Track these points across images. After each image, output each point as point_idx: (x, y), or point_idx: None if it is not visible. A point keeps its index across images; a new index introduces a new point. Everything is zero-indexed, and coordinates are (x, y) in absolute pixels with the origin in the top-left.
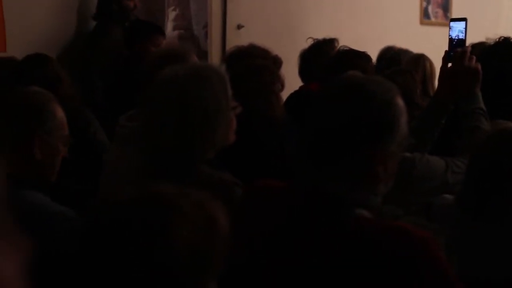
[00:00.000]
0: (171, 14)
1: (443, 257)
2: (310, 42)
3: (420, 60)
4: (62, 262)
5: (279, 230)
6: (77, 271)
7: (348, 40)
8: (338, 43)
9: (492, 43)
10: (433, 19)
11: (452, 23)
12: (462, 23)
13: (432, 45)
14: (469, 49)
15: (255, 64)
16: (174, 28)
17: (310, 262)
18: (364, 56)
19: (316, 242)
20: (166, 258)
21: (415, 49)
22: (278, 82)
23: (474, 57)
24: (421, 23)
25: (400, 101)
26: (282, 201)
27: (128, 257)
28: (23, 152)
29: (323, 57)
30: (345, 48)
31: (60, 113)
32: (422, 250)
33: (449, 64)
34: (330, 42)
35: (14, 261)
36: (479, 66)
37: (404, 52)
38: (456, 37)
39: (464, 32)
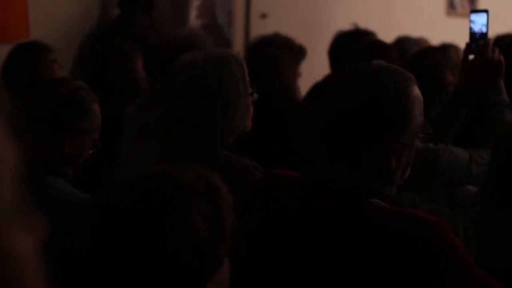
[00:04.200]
0: (195, 2)
1: (459, 244)
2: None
3: (448, 49)
4: (79, 247)
5: (292, 217)
6: (92, 256)
7: (373, 30)
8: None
9: None
10: (459, 10)
11: (472, 15)
12: (484, 15)
13: (458, 36)
14: (492, 41)
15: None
16: (198, 17)
17: (325, 251)
18: (391, 47)
19: (332, 231)
20: (184, 235)
21: (441, 40)
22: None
23: (497, 49)
24: (447, 14)
25: (415, 92)
26: (296, 189)
27: (143, 239)
28: (54, 142)
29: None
30: (375, 40)
31: (99, 116)
32: (437, 236)
33: (471, 57)
34: (370, 34)
35: (30, 240)
36: (502, 58)
37: (408, 40)
38: (478, 29)
39: (486, 23)
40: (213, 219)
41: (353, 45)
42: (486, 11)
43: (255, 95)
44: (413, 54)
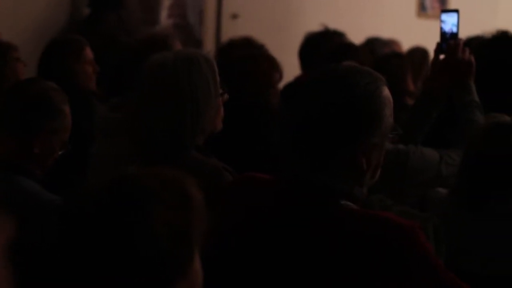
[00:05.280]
0: (166, 2)
1: (429, 247)
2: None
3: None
4: (47, 248)
5: (265, 219)
6: (60, 258)
7: (344, 31)
8: (346, 39)
9: (490, 36)
10: (430, 12)
11: (443, 15)
12: (454, 15)
13: (428, 38)
14: (462, 41)
15: (253, 53)
16: (169, 16)
17: (295, 253)
18: (361, 48)
19: (302, 232)
20: (145, 241)
21: (412, 42)
22: (276, 72)
23: (468, 49)
24: (418, 15)
25: (385, 93)
26: (269, 191)
27: (103, 243)
28: (23, 142)
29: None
30: (345, 41)
31: (69, 117)
32: (409, 240)
33: (441, 56)
34: (340, 35)
35: None
36: (473, 58)
37: (378, 41)
38: (449, 29)
39: (456, 23)
40: (178, 226)
41: (323, 46)
42: (456, 11)
43: (226, 96)
44: (372, 61)
